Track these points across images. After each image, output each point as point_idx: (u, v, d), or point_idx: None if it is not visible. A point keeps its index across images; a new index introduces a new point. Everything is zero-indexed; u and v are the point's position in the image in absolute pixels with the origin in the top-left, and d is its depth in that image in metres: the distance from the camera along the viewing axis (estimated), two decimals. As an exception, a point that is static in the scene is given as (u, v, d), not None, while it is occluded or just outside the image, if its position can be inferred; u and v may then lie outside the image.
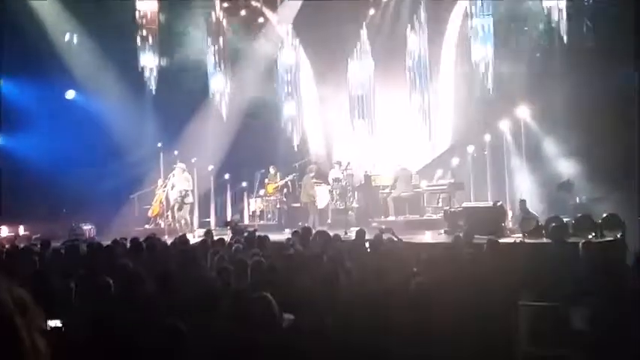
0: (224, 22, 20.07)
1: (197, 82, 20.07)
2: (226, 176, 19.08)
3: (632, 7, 16.32)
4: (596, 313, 6.15)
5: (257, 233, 12.27)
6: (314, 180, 18.14)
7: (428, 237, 14.89)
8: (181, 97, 19.72)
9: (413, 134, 19.51)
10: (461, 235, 10.64)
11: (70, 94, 19.71)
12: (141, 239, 10.76)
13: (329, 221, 17.95)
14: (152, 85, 19.54)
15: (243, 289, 6.58)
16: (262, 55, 20.92)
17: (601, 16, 17.01)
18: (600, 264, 7.83)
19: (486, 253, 8.62)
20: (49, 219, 17.46)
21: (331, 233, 10.84)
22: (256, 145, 19.98)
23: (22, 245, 12.16)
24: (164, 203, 18.30)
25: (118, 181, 18.48)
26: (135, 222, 18.67)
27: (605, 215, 12.76)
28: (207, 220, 18.80)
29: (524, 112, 17.20)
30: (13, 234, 16.81)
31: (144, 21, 19.30)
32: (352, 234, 11.99)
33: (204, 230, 14.15)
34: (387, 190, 17.89)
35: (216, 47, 19.89)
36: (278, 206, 19.16)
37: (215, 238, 11.52)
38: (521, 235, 13.08)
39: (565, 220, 12.96)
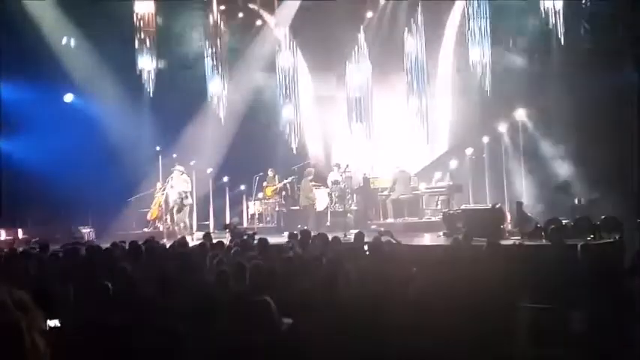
0: (222, 25, 20.06)
1: (195, 85, 20.08)
2: (225, 179, 19.08)
3: (628, 8, 16.36)
4: (594, 315, 6.16)
5: (256, 236, 12.29)
6: (312, 183, 18.17)
7: (427, 239, 14.89)
8: (179, 99, 19.73)
9: (411, 137, 19.52)
10: (460, 237, 10.64)
11: (69, 98, 19.72)
12: (140, 242, 10.75)
13: (328, 224, 17.94)
14: (150, 88, 19.51)
15: (241, 292, 6.58)
16: (260, 57, 20.94)
17: (598, 18, 17.05)
18: (599, 266, 7.83)
19: (486, 254, 8.61)
20: (47, 222, 17.46)
21: (330, 236, 10.81)
22: (255, 148, 19.99)
23: (20, 249, 12.16)
24: (163, 206, 18.30)
25: (117, 184, 18.46)
26: (134, 225, 18.68)
27: (603, 217, 12.78)
28: (206, 223, 18.81)
29: (521, 114, 17.21)
30: (11, 238, 16.82)
31: (141, 24, 19.27)
32: (351, 236, 11.99)
33: (203, 233, 14.15)
34: (385, 193, 17.91)
35: (214, 50, 19.88)
36: (277, 209, 19.17)
37: (214, 241, 11.50)
38: (519, 237, 13.09)
39: (564, 222, 12.98)
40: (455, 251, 9.12)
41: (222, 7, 20.13)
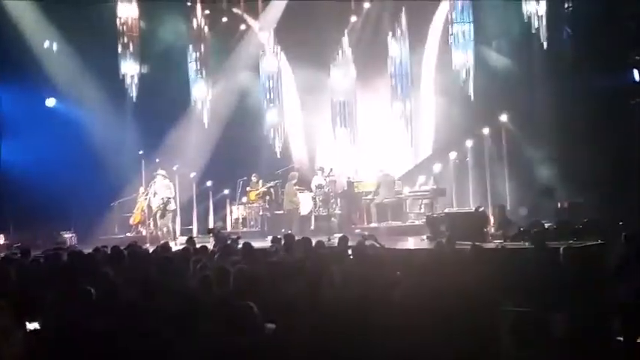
0: (205, 29, 20.02)
1: (178, 89, 20.02)
2: (208, 183, 19.01)
3: (611, 14, 16.51)
4: (576, 318, 6.18)
5: (240, 240, 12.24)
6: (297, 187, 18.15)
7: (410, 243, 14.91)
8: (163, 104, 19.64)
9: (395, 140, 19.56)
10: (443, 240, 10.65)
11: (51, 102, 19.59)
12: (122, 247, 10.69)
13: (312, 228, 17.93)
14: (133, 93, 19.44)
15: (225, 296, 6.54)
16: (244, 62, 20.90)
17: (581, 23, 17.18)
18: (581, 269, 7.87)
19: (469, 258, 8.62)
20: (29, 227, 17.32)
21: (314, 240, 10.80)
22: (238, 152, 19.94)
23: (2, 254, 12.05)
24: (146, 211, 18.21)
25: (100, 188, 18.38)
26: (116, 230, 18.58)
27: (585, 220, 12.86)
28: (190, 227, 18.72)
29: (505, 117, 17.29)
30: (-7, 243, 16.67)
31: (124, 28, 19.20)
32: (335, 240, 11.96)
33: (186, 238, 14.09)
34: (369, 197, 17.92)
35: (198, 54, 19.85)
36: (261, 213, 19.12)
37: (197, 245, 11.44)
38: (502, 240, 13.14)
39: (546, 225, 13.05)
40: (438, 255, 9.12)
41: (206, 12, 20.09)
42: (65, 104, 19.58)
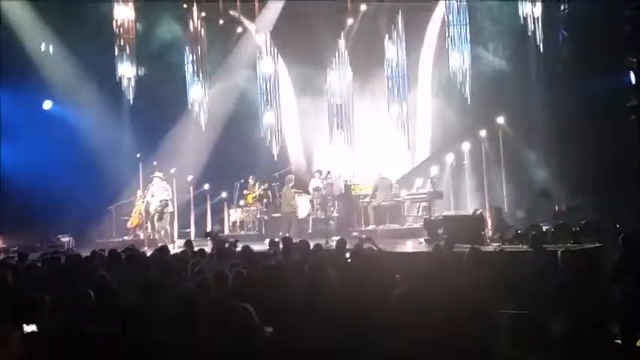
0: (202, 32, 20.02)
1: (175, 92, 20.01)
2: (206, 186, 19.00)
3: (607, 16, 16.54)
4: (574, 320, 6.18)
5: (238, 244, 12.25)
6: (294, 190, 18.14)
7: (408, 246, 14.91)
8: (160, 106, 19.66)
9: (392, 143, 19.57)
10: (441, 243, 10.66)
11: (47, 105, 19.57)
12: (120, 251, 10.68)
13: (309, 231, 17.91)
14: (130, 95, 19.44)
15: (223, 300, 6.54)
16: (241, 64, 20.91)
17: (577, 25, 17.22)
18: (579, 271, 7.87)
19: (467, 261, 8.62)
20: (26, 231, 17.29)
21: (312, 243, 10.79)
22: (236, 155, 19.93)
23: (-2, 258, 12.04)
24: (143, 214, 18.18)
25: (97, 192, 18.35)
26: (114, 233, 18.55)
27: (583, 223, 12.87)
28: (187, 230, 18.69)
29: (501, 120, 17.31)
30: (-11, 246, 16.64)
31: (121, 30, 19.21)
32: (333, 244, 11.97)
33: (184, 241, 14.08)
34: (367, 200, 17.91)
35: (194, 57, 19.84)
36: (258, 216, 19.11)
37: (195, 248, 11.44)
38: (500, 243, 13.15)
39: (544, 228, 13.05)
40: (436, 258, 9.12)
41: (203, 14, 20.09)
42: (62, 107, 19.57)
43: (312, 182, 18.80)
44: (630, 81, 16.57)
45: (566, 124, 16.56)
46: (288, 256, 9.96)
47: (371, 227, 17.31)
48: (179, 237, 17.98)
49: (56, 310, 6.31)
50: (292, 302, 6.33)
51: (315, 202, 18.54)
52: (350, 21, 20.31)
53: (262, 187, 19.12)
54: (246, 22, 20.83)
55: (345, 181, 19.03)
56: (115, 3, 19.21)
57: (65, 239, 17.46)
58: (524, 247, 11.72)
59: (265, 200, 19.24)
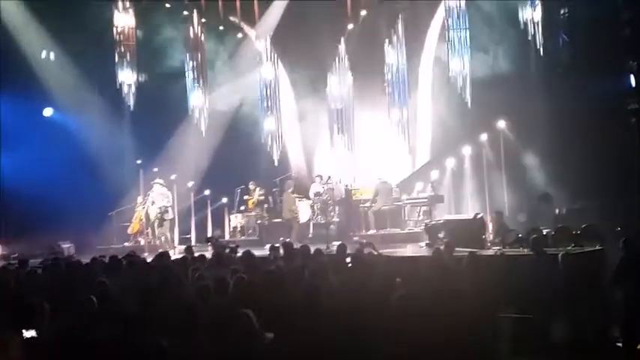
0: (202, 38, 20.04)
1: (176, 98, 20.02)
2: (206, 192, 18.98)
3: (607, 20, 16.55)
4: (575, 323, 6.18)
5: (239, 249, 12.24)
6: (295, 195, 18.13)
7: (409, 250, 14.89)
8: (160, 113, 19.66)
9: (392, 148, 19.55)
10: (442, 247, 10.66)
11: (48, 112, 19.58)
12: (120, 257, 10.68)
13: (310, 236, 17.88)
14: (130, 102, 19.47)
15: (223, 306, 6.54)
16: (241, 70, 20.93)
17: (576, 29, 17.23)
18: (579, 275, 7.87)
19: (467, 265, 8.63)
20: (27, 237, 17.27)
21: (312, 248, 10.79)
22: (236, 161, 19.92)
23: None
24: (144, 220, 18.18)
25: (98, 198, 18.32)
26: (114, 239, 18.54)
27: (584, 226, 12.85)
28: (188, 236, 18.67)
29: (502, 124, 17.30)
30: (-10, 253, 16.64)
31: (121, 37, 19.26)
32: (334, 248, 11.96)
33: (184, 247, 14.06)
34: (367, 204, 17.89)
35: (195, 63, 19.86)
36: (258, 222, 19.10)
37: (195, 254, 11.44)
38: (501, 247, 13.14)
39: (545, 231, 13.03)
40: (436, 262, 9.12)
41: (203, 20, 20.11)
42: (62, 114, 19.59)
43: (313, 187, 18.79)
44: (630, 84, 16.58)
45: (567, 128, 16.54)
46: (288, 262, 9.96)
47: (371, 232, 17.28)
48: (180, 243, 17.98)
49: (56, 316, 6.32)
50: (293, 307, 6.34)
51: (315, 207, 18.52)
52: (350, 26, 20.31)
53: (260, 193, 19.10)
54: (247, 28, 20.86)
55: (346, 185, 19.02)
56: (116, 10, 19.26)
57: (66, 246, 17.44)
58: (525, 250, 11.71)
59: (266, 205, 19.23)
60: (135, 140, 19.92)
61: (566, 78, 17.16)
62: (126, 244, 18.20)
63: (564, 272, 8.06)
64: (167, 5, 20.41)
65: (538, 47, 17.42)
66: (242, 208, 19.55)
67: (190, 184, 18.85)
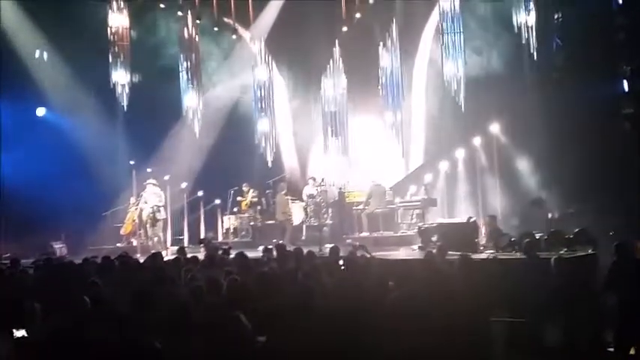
0: (197, 39, 20.01)
1: (170, 99, 19.96)
2: (200, 193, 18.95)
3: (600, 24, 16.61)
4: (567, 327, 6.19)
5: (232, 251, 12.22)
6: (288, 197, 18.13)
7: (402, 253, 14.89)
8: (154, 113, 19.64)
9: (386, 150, 19.56)
10: (434, 251, 10.66)
11: (41, 111, 19.53)
12: (112, 257, 10.65)
13: (303, 238, 17.90)
14: (124, 102, 19.41)
15: (216, 306, 6.52)
16: (235, 71, 20.92)
17: (570, 34, 17.28)
18: (572, 279, 7.88)
19: (459, 269, 8.63)
20: (19, 238, 17.20)
21: (305, 250, 10.79)
22: (230, 162, 19.91)
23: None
24: (137, 221, 18.14)
25: (90, 199, 18.28)
26: (107, 240, 18.48)
27: (576, 230, 12.88)
28: (181, 237, 18.64)
29: (495, 128, 17.33)
30: (-18, 254, 16.56)
31: (115, 37, 19.21)
32: (326, 251, 11.96)
33: (177, 248, 14.03)
34: (360, 207, 17.90)
35: (189, 63, 19.81)
36: (252, 223, 19.08)
37: (188, 255, 11.42)
38: (494, 250, 13.15)
39: (538, 235, 13.05)
40: (428, 265, 9.12)
41: (197, 21, 20.08)
42: (56, 114, 19.54)
43: (306, 189, 18.80)
44: (624, 89, 16.64)
45: (560, 132, 16.58)
46: (282, 263, 9.96)
47: (364, 234, 17.30)
48: (173, 244, 17.94)
49: (47, 316, 6.29)
50: (286, 309, 6.32)
51: (308, 210, 18.52)
52: (344, 29, 20.29)
53: (254, 194, 19.09)
54: (241, 30, 20.84)
55: (339, 188, 19.03)
56: (110, 10, 19.22)
57: (58, 246, 17.39)
58: (518, 254, 11.74)
59: (259, 207, 19.22)
60: (128, 141, 19.88)
61: (559, 82, 17.21)
62: (118, 244, 18.17)
63: (557, 276, 8.06)
64: (161, 6, 20.41)
65: (532, 51, 17.44)
66: (235, 209, 19.54)
67: (184, 185, 18.81)
